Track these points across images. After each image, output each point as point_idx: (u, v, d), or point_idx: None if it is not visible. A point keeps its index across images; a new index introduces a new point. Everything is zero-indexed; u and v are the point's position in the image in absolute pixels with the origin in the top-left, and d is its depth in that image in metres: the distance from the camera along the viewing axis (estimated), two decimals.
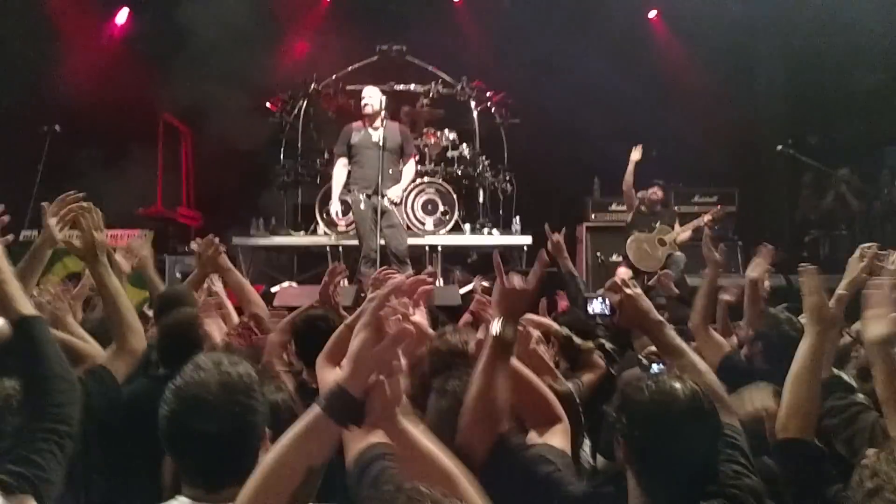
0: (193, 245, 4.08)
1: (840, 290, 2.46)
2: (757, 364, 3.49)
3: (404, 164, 7.02)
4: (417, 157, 7.67)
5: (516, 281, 2.01)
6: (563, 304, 4.70)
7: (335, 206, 7.05)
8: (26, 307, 1.99)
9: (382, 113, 6.84)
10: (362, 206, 6.64)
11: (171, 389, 1.70)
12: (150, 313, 3.93)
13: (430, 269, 7.08)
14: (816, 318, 2.22)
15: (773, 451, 1.98)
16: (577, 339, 3.44)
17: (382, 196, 6.60)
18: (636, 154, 8.22)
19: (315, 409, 1.38)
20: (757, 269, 3.93)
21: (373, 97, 6.88)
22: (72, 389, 1.95)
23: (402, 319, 1.43)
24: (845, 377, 2.43)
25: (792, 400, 2.07)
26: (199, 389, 1.66)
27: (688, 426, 1.63)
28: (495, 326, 1.95)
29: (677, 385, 1.68)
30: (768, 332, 3.45)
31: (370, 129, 6.81)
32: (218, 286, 4.03)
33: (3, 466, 1.77)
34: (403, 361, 1.42)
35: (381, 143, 6.61)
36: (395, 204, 6.84)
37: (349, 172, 6.94)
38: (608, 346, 3.90)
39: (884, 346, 2.13)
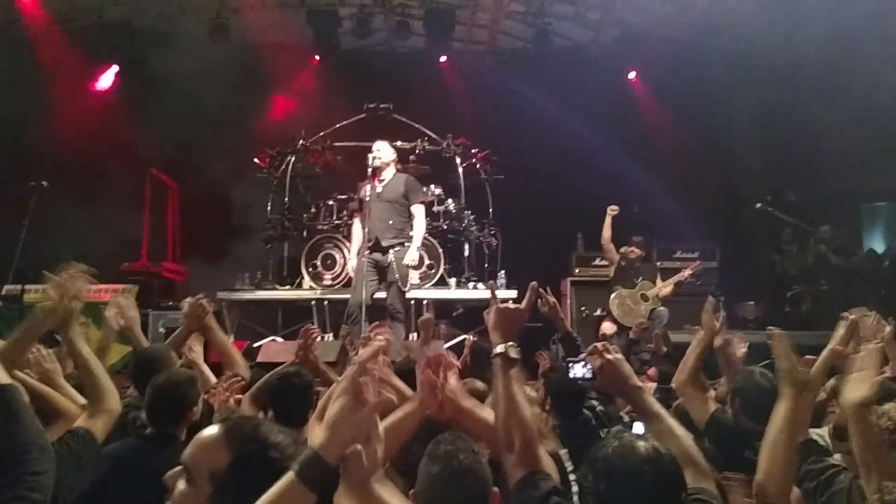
0: (184, 304, 4.03)
1: (821, 360, 2.49)
2: (740, 421, 3.51)
3: (415, 215, 6.97)
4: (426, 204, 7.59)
5: (511, 302, 2.22)
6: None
7: (351, 264, 7.07)
8: (1, 375, 1.93)
9: (392, 165, 6.93)
10: (362, 260, 6.66)
11: None
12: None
13: (442, 327, 7.01)
14: (790, 381, 2.22)
15: None
16: None
17: (384, 252, 6.67)
18: (612, 211, 8.42)
19: (289, 476, 1.36)
20: (718, 336, 3.92)
21: (380, 150, 6.88)
22: (47, 458, 1.90)
23: (381, 386, 1.45)
24: (820, 438, 2.44)
25: (768, 464, 2.06)
26: None
27: (647, 479, 1.65)
28: (497, 346, 2.10)
29: (639, 442, 1.73)
30: (744, 387, 3.47)
31: (377, 183, 6.83)
32: (197, 349, 3.93)
33: None
34: (382, 428, 1.44)
35: (380, 195, 6.72)
36: (413, 268, 6.98)
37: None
38: (599, 408, 3.89)
39: (862, 408, 2.15)
